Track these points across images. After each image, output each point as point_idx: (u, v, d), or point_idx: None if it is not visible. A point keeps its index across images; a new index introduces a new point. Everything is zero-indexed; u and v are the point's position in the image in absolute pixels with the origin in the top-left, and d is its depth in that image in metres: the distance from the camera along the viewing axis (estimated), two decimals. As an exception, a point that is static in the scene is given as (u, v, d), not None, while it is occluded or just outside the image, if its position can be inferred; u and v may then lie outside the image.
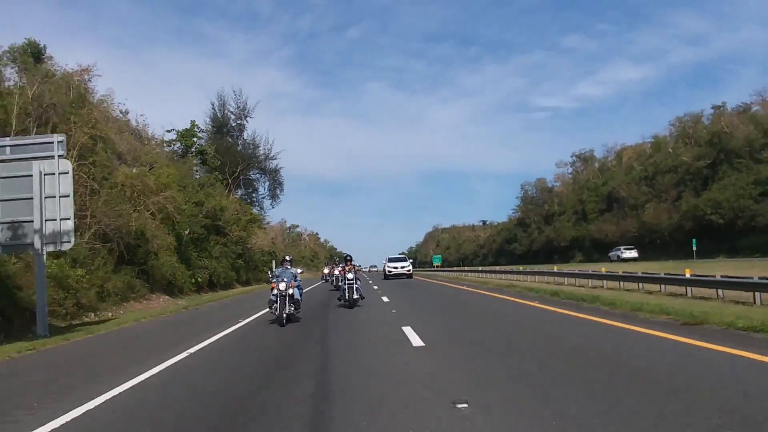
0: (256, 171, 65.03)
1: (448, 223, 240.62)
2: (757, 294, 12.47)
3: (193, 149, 52.04)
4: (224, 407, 5.65)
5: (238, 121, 62.97)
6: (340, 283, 19.59)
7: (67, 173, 13.38)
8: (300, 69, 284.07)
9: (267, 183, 66.35)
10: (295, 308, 13.65)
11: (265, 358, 9.10)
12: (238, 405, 5.67)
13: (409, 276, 43.18)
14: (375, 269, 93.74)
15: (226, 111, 61.96)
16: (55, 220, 13.32)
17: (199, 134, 54.40)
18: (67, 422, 5.29)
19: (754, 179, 47.33)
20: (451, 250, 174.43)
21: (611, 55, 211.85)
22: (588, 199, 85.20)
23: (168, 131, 48.85)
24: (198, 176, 48.91)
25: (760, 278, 13.33)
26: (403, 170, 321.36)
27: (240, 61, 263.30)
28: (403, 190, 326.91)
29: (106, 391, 6.45)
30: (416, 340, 9.57)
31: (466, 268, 77.88)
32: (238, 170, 57.28)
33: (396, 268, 43.45)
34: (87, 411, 5.68)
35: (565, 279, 26.30)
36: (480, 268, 58.67)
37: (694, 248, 46.99)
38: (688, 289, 15.50)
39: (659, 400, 5.15)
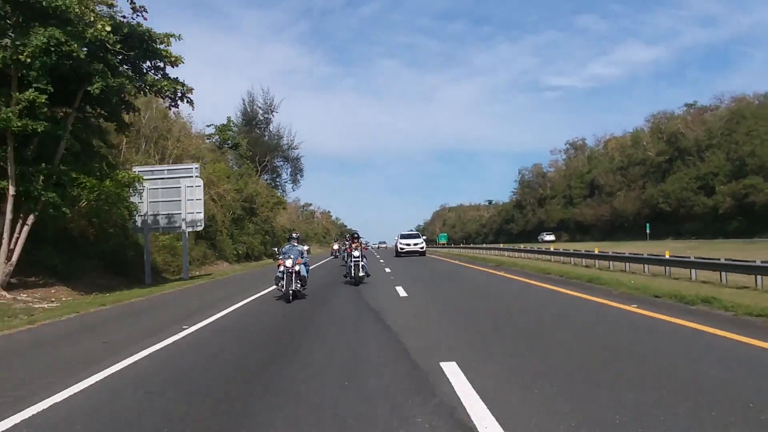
0: (280, 159, 75.42)
1: (458, 201, 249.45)
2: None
3: (228, 142, 62.10)
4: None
5: (266, 115, 73.06)
6: (347, 260, 18.99)
7: (199, 186, 23.54)
8: (313, 45, 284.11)
9: (289, 169, 76.93)
10: (302, 285, 13.74)
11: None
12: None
13: (422, 253, 41.12)
14: (384, 245, 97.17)
15: (255, 106, 71.98)
16: (192, 213, 23.53)
17: (233, 128, 64.40)
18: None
19: (696, 175, 56.82)
20: (456, 229, 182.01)
21: (624, 35, 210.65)
22: (575, 185, 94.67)
23: (207, 126, 58.68)
24: (231, 165, 59.10)
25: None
26: (414, 147, 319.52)
27: (253, 36, 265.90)
28: (414, 167, 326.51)
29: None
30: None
31: (469, 246, 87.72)
32: (266, 159, 67.59)
33: (408, 245, 41.45)
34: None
35: (551, 257, 29.82)
36: (481, 246, 68.76)
37: (648, 231, 56.74)
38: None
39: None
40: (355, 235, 18.44)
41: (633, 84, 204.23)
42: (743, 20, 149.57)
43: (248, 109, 72.22)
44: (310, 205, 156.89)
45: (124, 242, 23.95)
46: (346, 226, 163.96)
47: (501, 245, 49.32)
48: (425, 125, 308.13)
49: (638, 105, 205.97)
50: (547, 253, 30.92)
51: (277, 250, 14.87)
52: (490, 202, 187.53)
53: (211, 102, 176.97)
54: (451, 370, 5.72)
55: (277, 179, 75.59)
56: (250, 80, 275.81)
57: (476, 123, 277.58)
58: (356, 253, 17.10)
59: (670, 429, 3.89)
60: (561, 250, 30.08)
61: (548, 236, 77.43)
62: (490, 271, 22.82)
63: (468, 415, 4.32)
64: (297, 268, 13.21)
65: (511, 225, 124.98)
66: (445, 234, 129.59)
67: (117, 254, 22.51)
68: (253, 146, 65.31)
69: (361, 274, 16.94)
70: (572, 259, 26.03)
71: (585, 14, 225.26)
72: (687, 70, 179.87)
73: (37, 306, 13.92)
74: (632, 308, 9.97)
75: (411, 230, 54.96)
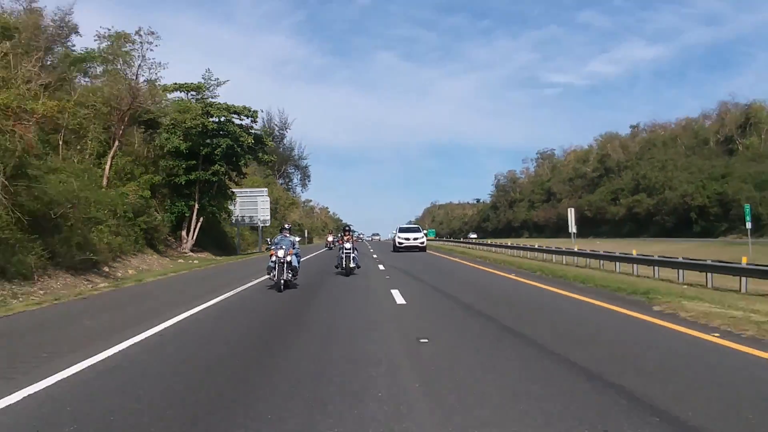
0: (291, 167, 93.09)
1: (451, 197, 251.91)
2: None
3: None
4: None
5: (281, 131, 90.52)
6: (339, 253, 18.65)
7: (267, 200, 41.32)
8: (309, 36, 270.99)
9: (299, 175, 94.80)
10: (293, 275, 13.91)
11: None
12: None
13: (422, 249, 38.17)
14: (378, 237, 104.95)
15: (272, 123, 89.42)
16: (264, 216, 41.28)
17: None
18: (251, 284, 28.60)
19: (610, 189, 75.00)
20: (444, 225, 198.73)
21: (625, 32, 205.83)
22: (536, 191, 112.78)
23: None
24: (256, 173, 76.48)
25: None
26: (409, 142, 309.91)
27: (248, 24, 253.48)
28: (409, 162, 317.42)
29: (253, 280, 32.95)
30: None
31: (453, 240, 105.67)
32: (282, 168, 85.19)
33: (408, 239, 38.57)
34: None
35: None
36: (470, 241, 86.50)
37: (573, 227, 74.79)
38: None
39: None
40: (347, 228, 19.11)
41: (633, 83, 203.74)
42: (748, 20, 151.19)
43: (266, 126, 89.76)
44: (311, 201, 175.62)
45: (225, 231, 41.79)
46: (341, 221, 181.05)
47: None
48: (421, 119, 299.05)
49: (638, 104, 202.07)
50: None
51: (270, 241, 15.03)
52: (478, 200, 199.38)
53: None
54: None
55: (289, 183, 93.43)
56: (243, 69, 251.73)
57: (473, 118, 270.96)
58: (347, 245, 17.79)
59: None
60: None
61: (472, 234, 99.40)
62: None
63: None
64: (288, 258, 13.40)
65: (486, 223, 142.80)
66: (434, 230, 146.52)
67: (223, 237, 40.26)
68: (271, 156, 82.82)
69: (351, 265, 17.55)
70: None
71: (587, 10, 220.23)
72: (688, 69, 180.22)
73: (198, 259, 31.38)
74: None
75: (410, 223, 53.21)
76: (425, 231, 36.74)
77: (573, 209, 35.37)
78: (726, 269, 13.94)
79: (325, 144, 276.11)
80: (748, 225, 23.78)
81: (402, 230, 40.48)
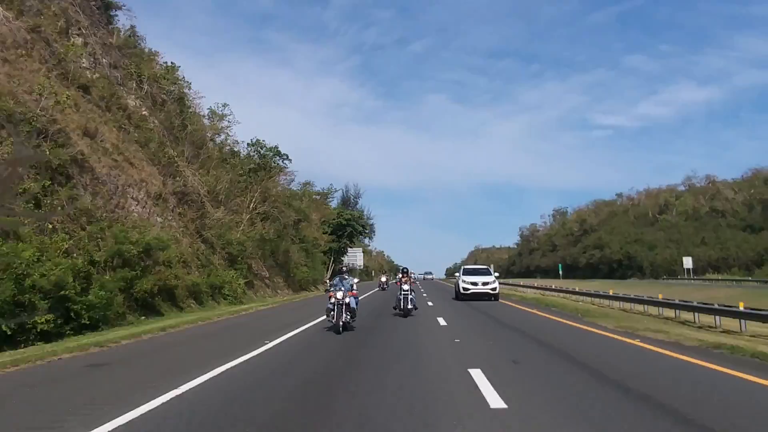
0: (359, 224, 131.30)
1: (498, 238, 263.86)
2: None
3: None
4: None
5: (355, 199, 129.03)
6: (397, 294, 18.95)
7: (361, 255, 78.74)
8: (362, 80, 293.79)
9: (364, 229, 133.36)
10: (351, 317, 14.18)
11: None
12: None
13: (494, 297, 28.99)
14: (431, 277, 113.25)
15: (349, 192, 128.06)
16: (359, 263, 78.57)
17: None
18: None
19: (583, 246, 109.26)
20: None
21: (675, 75, 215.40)
22: (547, 242, 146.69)
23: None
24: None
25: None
26: (459, 182, 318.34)
27: (305, 70, 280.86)
28: (459, 202, 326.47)
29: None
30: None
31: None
32: (359, 228, 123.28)
33: (475, 284, 29.45)
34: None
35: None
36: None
37: (560, 272, 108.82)
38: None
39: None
40: (405, 270, 19.91)
41: (684, 124, 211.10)
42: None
43: (345, 195, 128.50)
44: (368, 245, 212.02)
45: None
46: (393, 262, 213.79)
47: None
48: (472, 160, 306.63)
49: (690, 146, 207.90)
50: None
51: (329, 283, 15.27)
52: (517, 244, 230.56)
53: (264, 133, 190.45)
54: None
55: (359, 238, 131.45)
56: (300, 112, 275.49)
57: (523, 159, 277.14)
58: (405, 287, 18.65)
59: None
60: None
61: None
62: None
63: None
64: (347, 300, 13.62)
65: (513, 267, 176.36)
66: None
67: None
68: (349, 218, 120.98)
69: (409, 306, 18.44)
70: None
71: (634, 54, 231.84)
72: (741, 110, 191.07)
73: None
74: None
75: (477, 264, 47.30)
76: (496, 274, 32.19)
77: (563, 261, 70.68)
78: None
79: (376, 184, 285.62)
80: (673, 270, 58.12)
81: (467, 272, 32.05)
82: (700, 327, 16.81)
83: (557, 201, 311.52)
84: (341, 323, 13.34)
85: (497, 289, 29.78)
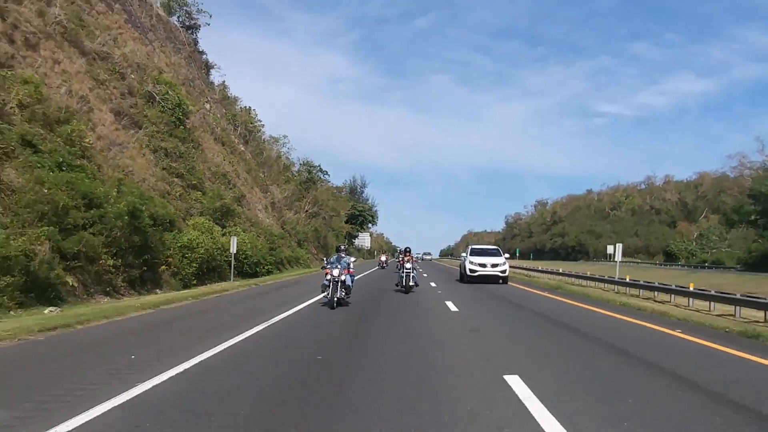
0: (368, 214, 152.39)
1: (492, 222, 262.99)
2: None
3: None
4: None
5: (361, 189, 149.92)
6: (398, 272, 20.51)
7: (369, 238, 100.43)
8: (364, 55, 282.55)
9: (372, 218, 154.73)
10: (346, 293, 14.61)
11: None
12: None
13: (503, 280, 26.96)
14: (429, 258, 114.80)
15: (356, 183, 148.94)
16: (366, 245, 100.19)
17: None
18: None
19: (551, 235, 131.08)
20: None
21: (676, 66, 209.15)
22: (525, 229, 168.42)
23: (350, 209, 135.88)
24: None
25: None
26: (457, 165, 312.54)
27: (304, 41, 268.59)
28: (455, 185, 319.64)
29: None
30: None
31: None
32: (369, 218, 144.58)
33: (484, 265, 26.85)
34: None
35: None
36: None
37: (531, 257, 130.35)
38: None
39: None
40: (407, 250, 20.81)
41: (681, 115, 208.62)
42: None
43: (352, 185, 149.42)
44: (370, 228, 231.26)
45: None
46: (390, 243, 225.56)
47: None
48: (470, 143, 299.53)
49: (684, 137, 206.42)
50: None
51: (325, 260, 15.16)
52: (503, 230, 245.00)
53: (259, 102, 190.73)
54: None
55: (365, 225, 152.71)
56: (298, 87, 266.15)
57: (521, 144, 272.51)
58: (408, 266, 19.78)
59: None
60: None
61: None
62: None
63: None
64: (343, 277, 14.13)
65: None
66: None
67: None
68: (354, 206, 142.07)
69: (411, 283, 19.50)
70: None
71: (639, 41, 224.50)
72: (735, 105, 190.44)
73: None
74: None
75: (486, 245, 40.97)
76: (506, 255, 29.13)
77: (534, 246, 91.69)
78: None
79: (373, 163, 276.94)
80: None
81: (475, 252, 28.87)
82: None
83: (551, 188, 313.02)
84: (336, 299, 13.90)
85: (507, 271, 27.56)
